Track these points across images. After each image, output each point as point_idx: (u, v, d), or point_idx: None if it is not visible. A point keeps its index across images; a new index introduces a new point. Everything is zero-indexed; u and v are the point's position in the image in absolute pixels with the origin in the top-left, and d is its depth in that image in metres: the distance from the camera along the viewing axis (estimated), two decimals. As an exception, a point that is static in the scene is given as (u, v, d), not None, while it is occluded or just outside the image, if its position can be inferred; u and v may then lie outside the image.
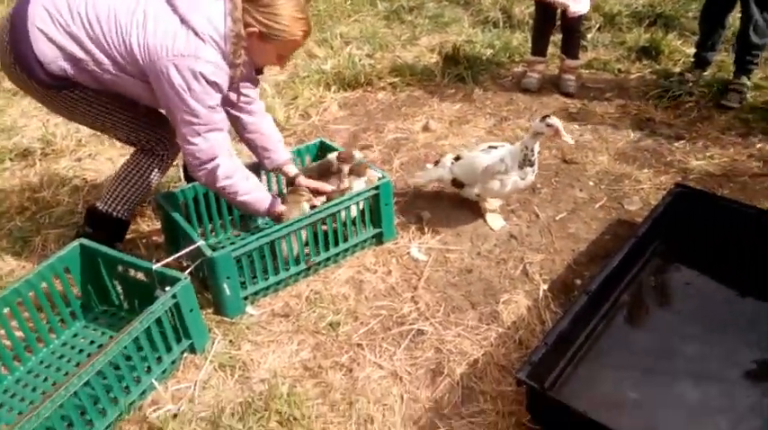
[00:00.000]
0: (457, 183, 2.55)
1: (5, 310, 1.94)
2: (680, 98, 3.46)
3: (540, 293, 2.22)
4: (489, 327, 2.10)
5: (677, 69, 3.77)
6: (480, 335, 2.07)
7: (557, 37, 3.82)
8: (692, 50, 3.75)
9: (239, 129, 2.37)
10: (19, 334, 2.00)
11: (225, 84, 2.00)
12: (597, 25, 4.38)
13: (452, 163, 2.56)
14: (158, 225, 2.59)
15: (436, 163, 2.67)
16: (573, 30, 3.60)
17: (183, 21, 1.92)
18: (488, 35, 4.38)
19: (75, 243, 2.10)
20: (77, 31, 1.95)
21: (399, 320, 2.15)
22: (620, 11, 4.47)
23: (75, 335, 2.13)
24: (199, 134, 2.01)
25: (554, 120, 2.25)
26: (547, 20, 3.63)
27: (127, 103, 2.17)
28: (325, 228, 2.30)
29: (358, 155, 2.52)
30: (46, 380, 1.97)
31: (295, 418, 1.79)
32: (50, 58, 1.97)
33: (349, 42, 4.41)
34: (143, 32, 1.93)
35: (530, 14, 4.44)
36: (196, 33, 1.92)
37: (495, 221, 2.57)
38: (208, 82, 1.93)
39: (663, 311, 2.16)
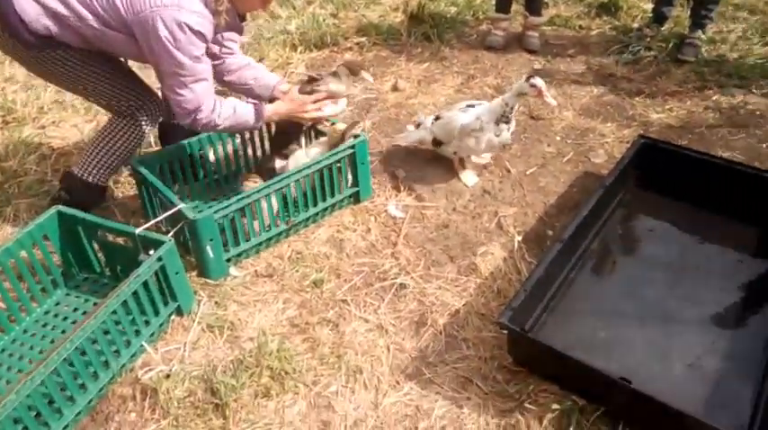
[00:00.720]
0: (436, 142, 2.60)
1: (-14, 280, 1.93)
2: (639, 53, 3.57)
3: (515, 245, 2.31)
4: (468, 279, 2.19)
5: (636, 25, 3.87)
6: (460, 287, 2.16)
7: (520, -6, 3.86)
8: (650, 6, 3.84)
9: (222, 73, 2.36)
10: (0, 304, 1.99)
11: (209, 33, 2.00)
12: (558, -19, 4.43)
13: (432, 123, 2.60)
14: (133, 191, 2.57)
15: (417, 125, 2.71)
16: (536, -14, 3.65)
17: None
18: (452, -7, 4.38)
19: (53, 210, 2.08)
20: None
21: (381, 276, 2.21)
22: (580, -33, 4.52)
23: (57, 304, 2.12)
24: (185, 85, 2.02)
25: (538, 81, 2.28)
26: (510, -23, 3.66)
27: (110, 67, 2.15)
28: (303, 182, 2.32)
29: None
30: (32, 348, 1.97)
31: (286, 373, 1.85)
32: (33, 15, 1.95)
33: (312, 2, 4.35)
34: None
35: (492, -29, 4.45)
36: None
37: (469, 178, 2.64)
38: (193, 32, 1.93)
39: (629, 257, 2.28)
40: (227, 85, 2.43)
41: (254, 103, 2.27)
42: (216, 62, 2.29)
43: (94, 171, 2.31)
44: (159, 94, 2.33)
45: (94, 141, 2.31)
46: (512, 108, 2.39)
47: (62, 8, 1.95)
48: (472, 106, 2.51)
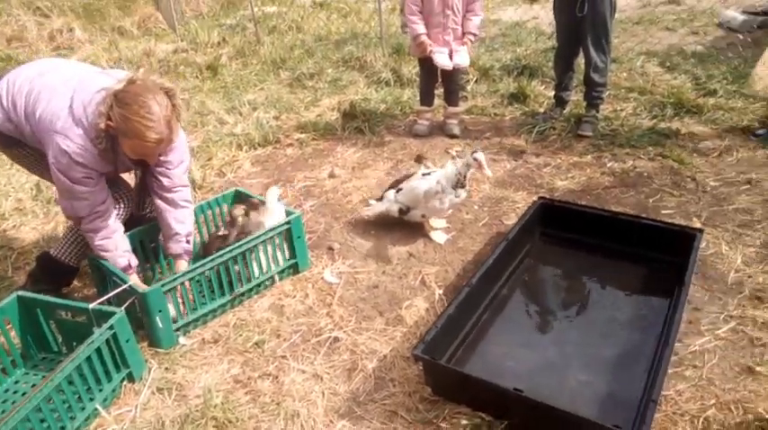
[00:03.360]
0: (402, 211, 2.98)
1: (-50, 361, 2.10)
2: (545, 132, 4.07)
3: (436, 297, 2.60)
4: (395, 329, 2.45)
5: (542, 109, 4.41)
6: (388, 336, 2.41)
7: (440, 91, 4.39)
8: (552, 93, 4.41)
9: (153, 191, 2.57)
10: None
11: (92, 163, 2.25)
12: (474, 78, 5.04)
13: (395, 195, 3.01)
14: (90, 282, 2.79)
15: (380, 199, 3.11)
16: (452, 82, 4.18)
17: (70, 103, 2.22)
18: (382, 93, 4.92)
19: (14, 295, 2.29)
20: (18, 100, 2.29)
21: (317, 332, 2.45)
22: (492, 65, 5.17)
23: (16, 382, 2.28)
24: (63, 198, 2.33)
25: (479, 155, 2.76)
26: (430, 75, 4.19)
27: None
28: (245, 262, 2.60)
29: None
30: (-8, 422, 2.11)
31: (230, 421, 2.04)
32: (1, 119, 2.33)
33: (256, 108, 4.82)
34: (46, 105, 2.24)
35: (416, 73, 5.03)
36: (73, 117, 2.21)
37: (440, 237, 3.00)
38: (72, 159, 2.20)
39: (536, 298, 2.58)
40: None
41: (129, 265, 2.47)
42: (153, 197, 2.56)
43: (67, 253, 2.59)
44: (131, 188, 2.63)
45: (70, 228, 2.58)
46: (464, 176, 2.83)
47: (15, 117, 2.31)
48: (428, 173, 2.92)
